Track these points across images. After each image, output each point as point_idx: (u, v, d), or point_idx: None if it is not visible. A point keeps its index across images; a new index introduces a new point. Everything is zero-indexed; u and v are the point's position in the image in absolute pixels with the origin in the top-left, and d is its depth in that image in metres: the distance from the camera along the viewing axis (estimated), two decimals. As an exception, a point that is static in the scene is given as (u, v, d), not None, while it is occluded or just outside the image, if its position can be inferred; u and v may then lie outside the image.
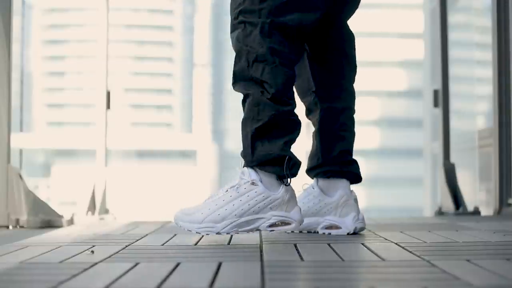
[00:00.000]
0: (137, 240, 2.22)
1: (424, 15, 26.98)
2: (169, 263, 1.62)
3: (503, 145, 3.97)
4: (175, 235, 2.35)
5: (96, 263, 1.63)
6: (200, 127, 37.84)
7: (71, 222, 3.18)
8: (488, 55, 4.16)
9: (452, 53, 4.71)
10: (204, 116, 38.20)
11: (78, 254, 1.83)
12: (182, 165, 35.72)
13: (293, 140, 2.17)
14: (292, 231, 2.38)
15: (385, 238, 2.18)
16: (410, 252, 1.81)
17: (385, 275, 1.47)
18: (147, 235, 2.41)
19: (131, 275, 1.46)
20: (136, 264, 1.61)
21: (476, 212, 4.00)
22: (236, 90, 2.20)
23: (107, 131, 4.23)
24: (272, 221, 2.09)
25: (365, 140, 34.43)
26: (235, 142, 36.47)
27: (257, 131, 2.12)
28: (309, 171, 2.47)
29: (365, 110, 34.91)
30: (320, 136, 2.45)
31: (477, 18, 7.82)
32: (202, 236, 2.17)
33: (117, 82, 34.85)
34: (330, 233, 2.39)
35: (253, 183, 2.09)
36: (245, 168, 2.13)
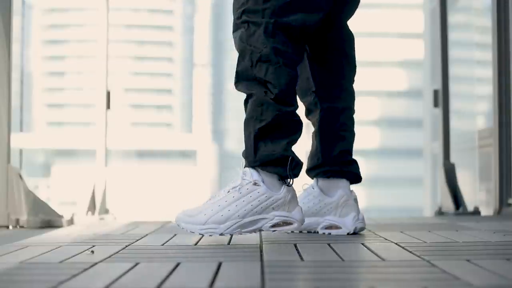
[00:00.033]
0: (137, 240, 2.22)
1: (424, 15, 26.99)
2: (169, 263, 1.62)
3: (503, 145, 3.97)
4: (175, 235, 2.35)
5: (96, 263, 1.63)
6: (200, 127, 37.84)
7: (71, 222, 3.18)
8: (488, 55, 4.16)
9: (452, 53, 4.71)
10: (204, 116, 38.20)
11: (78, 254, 1.83)
12: (182, 165, 35.72)
13: (295, 141, 2.17)
14: (292, 231, 2.38)
15: (385, 238, 2.18)
16: (410, 252, 1.81)
17: (385, 275, 1.47)
18: (147, 235, 2.41)
19: (131, 275, 1.46)
20: (136, 264, 1.61)
21: (476, 212, 4.00)
22: (238, 90, 2.19)
23: (107, 131, 4.23)
24: (274, 221, 2.09)
25: (365, 140, 34.43)
26: (235, 142, 36.50)
27: (260, 131, 2.12)
28: (309, 171, 2.47)
29: (365, 110, 34.92)
30: (320, 136, 2.45)
31: (477, 18, 7.82)
32: (202, 236, 2.17)
33: (117, 82, 34.85)
34: (330, 233, 2.39)
35: (255, 184, 2.08)
36: (247, 168, 2.12)
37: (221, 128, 38.07)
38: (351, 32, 2.49)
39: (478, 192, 5.45)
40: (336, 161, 2.43)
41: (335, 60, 2.45)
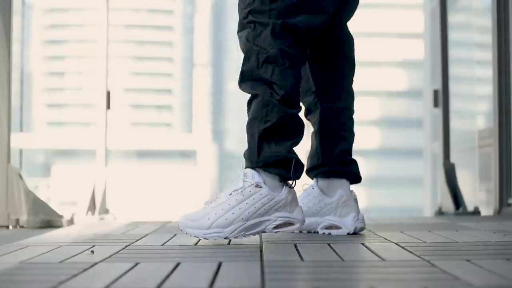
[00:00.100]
0: (137, 240, 2.22)
1: (424, 15, 26.99)
2: (169, 263, 1.62)
3: (503, 145, 3.97)
4: (175, 235, 2.35)
5: (96, 263, 1.63)
6: (200, 127, 37.85)
7: (71, 222, 3.18)
8: (488, 55, 4.16)
9: (452, 53, 4.71)
10: (204, 116, 38.21)
11: (78, 254, 1.83)
12: (182, 165, 35.72)
13: (297, 143, 2.18)
14: (293, 231, 2.38)
15: (385, 238, 2.18)
16: (410, 252, 1.81)
17: (385, 275, 1.47)
18: (147, 235, 2.41)
19: (131, 275, 1.46)
20: (136, 264, 1.61)
21: (476, 212, 4.00)
22: (242, 90, 2.19)
23: (107, 131, 4.23)
24: (277, 222, 2.09)
25: (365, 140, 34.43)
26: (235, 142, 36.51)
27: (265, 132, 2.12)
28: (309, 171, 2.47)
29: (365, 110, 34.93)
30: (320, 136, 2.45)
31: (477, 18, 7.82)
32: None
33: (117, 82, 34.86)
34: (330, 233, 2.39)
35: (257, 186, 2.08)
36: (248, 169, 2.12)
37: (221, 128, 38.08)
38: (350, 34, 2.50)
39: (478, 192, 5.45)
40: (336, 161, 2.43)
41: (335, 61, 2.45)
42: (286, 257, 1.78)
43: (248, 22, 2.17)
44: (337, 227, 2.39)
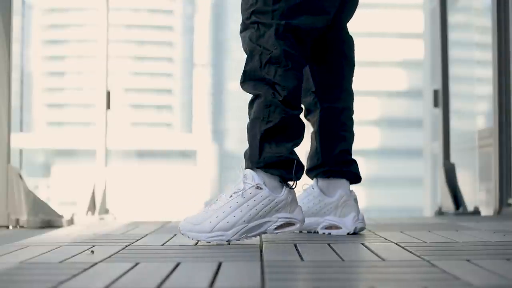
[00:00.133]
0: (137, 240, 2.22)
1: (424, 15, 26.99)
2: (169, 263, 1.62)
3: (503, 145, 3.97)
4: (175, 235, 2.35)
5: (96, 263, 1.63)
6: (200, 127, 37.86)
7: (71, 222, 3.18)
8: (488, 55, 4.16)
9: (452, 53, 4.71)
10: (204, 116, 38.22)
11: (78, 254, 1.83)
12: (182, 165, 35.73)
13: (298, 144, 2.18)
14: (293, 231, 2.38)
15: (385, 238, 2.18)
16: (410, 252, 1.81)
17: (385, 275, 1.47)
18: (147, 235, 2.41)
19: (131, 275, 1.46)
20: (136, 264, 1.61)
21: (476, 212, 4.00)
22: (244, 90, 2.19)
23: (107, 131, 4.23)
24: (278, 223, 2.09)
25: (365, 140, 34.44)
26: (235, 142, 36.51)
27: (266, 132, 2.11)
28: (309, 172, 2.47)
29: (365, 110, 34.95)
30: (320, 136, 2.45)
31: (477, 18, 7.82)
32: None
33: (117, 82, 34.87)
34: (330, 233, 2.39)
35: (257, 187, 2.08)
36: (248, 170, 2.11)
37: (221, 128, 38.09)
38: (350, 36, 2.50)
39: (478, 192, 5.45)
40: (336, 161, 2.43)
41: (335, 61, 2.46)
42: (286, 257, 1.78)
43: (251, 22, 2.17)
44: (337, 227, 2.39)
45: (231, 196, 2.08)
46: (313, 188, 2.45)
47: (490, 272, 1.46)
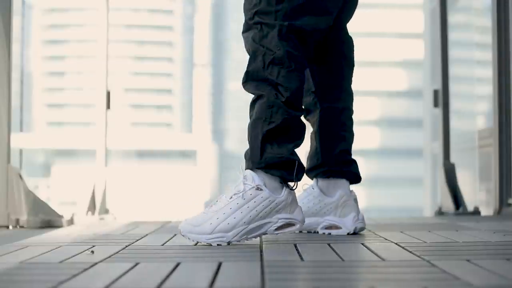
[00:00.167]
0: (137, 240, 2.22)
1: (424, 15, 26.99)
2: (169, 263, 1.62)
3: (503, 145, 3.97)
4: (175, 235, 2.35)
5: (96, 263, 1.63)
6: (200, 127, 37.86)
7: (71, 222, 3.18)
8: (488, 55, 4.16)
9: (452, 53, 4.71)
10: (204, 116, 38.22)
11: (78, 254, 1.83)
12: (182, 165, 35.73)
13: (299, 146, 2.18)
14: (293, 232, 2.38)
15: (385, 238, 2.18)
16: (410, 252, 1.81)
17: (385, 275, 1.47)
18: (147, 235, 2.41)
19: (131, 275, 1.46)
20: (136, 264, 1.61)
21: (476, 212, 4.00)
22: (246, 90, 2.19)
23: (107, 131, 4.23)
24: (278, 224, 2.09)
25: (365, 140, 34.45)
26: (235, 142, 36.51)
27: (268, 133, 2.11)
28: (308, 172, 2.47)
29: (365, 110, 34.95)
30: (320, 136, 2.45)
31: (477, 18, 7.82)
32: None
33: (117, 82, 34.87)
34: (330, 233, 2.39)
35: (258, 188, 2.08)
36: (248, 171, 2.11)
37: (221, 128, 38.09)
38: (350, 37, 2.51)
39: (478, 192, 5.45)
40: (336, 161, 2.43)
41: (335, 62, 2.46)
42: (286, 257, 1.78)
43: (255, 23, 2.17)
44: (337, 227, 2.39)
45: (231, 198, 2.08)
46: (313, 188, 2.45)
47: (490, 272, 1.46)
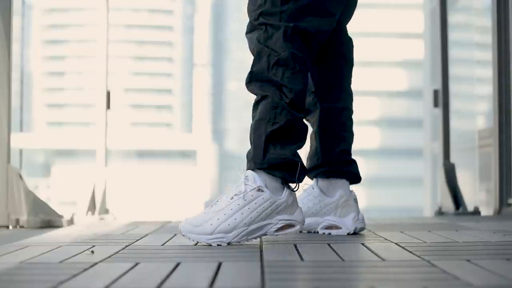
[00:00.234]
0: (137, 240, 2.22)
1: (424, 15, 27.00)
2: (169, 263, 1.62)
3: (503, 145, 3.97)
4: (175, 235, 2.35)
5: (96, 263, 1.63)
6: (200, 127, 37.86)
7: (71, 222, 3.18)
8: (488, 55, 4.16)
9: (452, 53, 4.71)
10: (204, 116, 38.22)
11: (78, 254, 1.83)
12: (182, 165, 35.73)
13: (301, 147, 2.19)
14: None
15: (385, 238, 2.18)
16: (410, 252, 1.81)
17: (385, 275, 1.47)
18: (147, 235, 2.41)
19: (131, 275, 1.46)
20: (136, 264, 1.61)
21: (476, 212, 4.00)
22: (249, 90, 2.19)
23: (107, 131, 4.23)
24: (279, 225, 2.09)
25: (365, 140, 34.45)
26: (235, 142, 36.50)
27: (272, 134, 2.11)
28: (308, 172, 2.47)
29: (365, 110, 34.95)
30: (320, 136, 2.45)
31: (477, 18, 7.82)
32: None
33: (117, 82, 34.87)
34: (330, 233, 2.39)
35: (259, 189, 2.08)
36: (249, 172, 2.11)
37: (221, 128, 38.08)
38: (350, 37, 2.51)
39: (478, 192, 5.45)
40: (336, 161, 2.43)
41: (334, 62, 2.46)
42: (286, 257, 1.78)
43: (259, 24, 2.17)
44: (337, 227, 2.39)
45: (232, 198, 2.08)
46: (313, 188, 2.45)
47: (490, 272, 1.46)
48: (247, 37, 2.21)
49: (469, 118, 7.79)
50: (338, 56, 2.46)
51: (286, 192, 2.10)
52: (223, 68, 38.05)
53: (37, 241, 2.30)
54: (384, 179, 35.22)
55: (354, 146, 2.49)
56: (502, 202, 3.91)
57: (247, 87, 2.19)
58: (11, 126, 3.03)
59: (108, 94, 4.22)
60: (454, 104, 4.91)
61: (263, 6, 2.16)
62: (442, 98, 4.49)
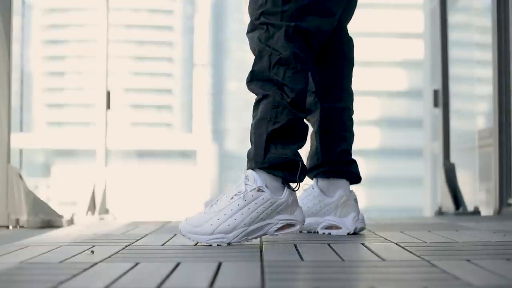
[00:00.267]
0: (137, 240, 2.22)
1: (424, 15, 27.00)
2: (169, 263, 1.62)
3: (503, 145, 3.97)
4: (175, 235, 2.35)
5: (96, 263, 1.63)
6: (200, 127, 37.86)
7: (71, 222, 3.18)
8: (488, 55, 4.16)
9: (452, 53, 4.71)
10: (204, 116, 38.22)
11: (78, 254, 1.83)
12: (182, 165, 35.73)
13: (301, 147, 2.18)
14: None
15: (385, 238, 2.18)
16: (410, 252, 1.81)
17: (385, 275, 1.47)
18: (147, 235, 2.41)
19: (131, 275, 1.46)
20: (136, 264, 1.61)
21: (476, 212, 4.00)
22: (250, 89, 2.19)
23: (107, 131, 4.23)
24: (279, 225, 2.09)
25: (365, 140, 34.45)
26: (235, 142, 36.50)
27: (273, 133, 2.11)
28: (309, 171, 2.47)
29: (365, 110, 34.94)
30: (320, 136, 2.45)
31: (477, 18, 7.82)
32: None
33: (117, 82, 34.87)
34: (330, 233, 2.39)
35: (259, 190, 2.08)
36: (250, 171, 2.11)
37: (221, 128, 38.08)
38: (350, 37, 2.51)
39: (478, 192, 5.45)
40: (336, 161, 2.43)
41: (335, 62, 2.46)
42: (286, 257, 1.78)
43: (261, 23, 2.17)
44: (337, 227, 2.39)
45: (232, 198, 2.08)
46: (313, 188, 2.45)
47: (490, 272, 1.46)
48: (248, 37, 2.22)
49: (469, 118, 7.79)
50: (339, 56, 2.46)
51: (286, 191, 2.10)
52: (223, 68, 38.05)
53: (37, 241, 2.30)
54: (384, 179, 35.22)
55: (354, 146, 2.49)
56: (502, 202, 3.91)
57: (248, 87, 2.18)
58: (11, 126, 3.03)
59: (108, 94, 4.22)
60: (454, 104, 4.91)
61: (264, 5, 2.16)
62: (442, 98, 4.49)
